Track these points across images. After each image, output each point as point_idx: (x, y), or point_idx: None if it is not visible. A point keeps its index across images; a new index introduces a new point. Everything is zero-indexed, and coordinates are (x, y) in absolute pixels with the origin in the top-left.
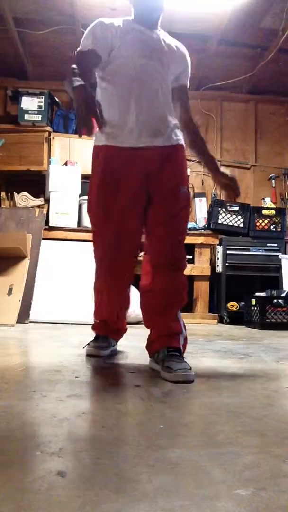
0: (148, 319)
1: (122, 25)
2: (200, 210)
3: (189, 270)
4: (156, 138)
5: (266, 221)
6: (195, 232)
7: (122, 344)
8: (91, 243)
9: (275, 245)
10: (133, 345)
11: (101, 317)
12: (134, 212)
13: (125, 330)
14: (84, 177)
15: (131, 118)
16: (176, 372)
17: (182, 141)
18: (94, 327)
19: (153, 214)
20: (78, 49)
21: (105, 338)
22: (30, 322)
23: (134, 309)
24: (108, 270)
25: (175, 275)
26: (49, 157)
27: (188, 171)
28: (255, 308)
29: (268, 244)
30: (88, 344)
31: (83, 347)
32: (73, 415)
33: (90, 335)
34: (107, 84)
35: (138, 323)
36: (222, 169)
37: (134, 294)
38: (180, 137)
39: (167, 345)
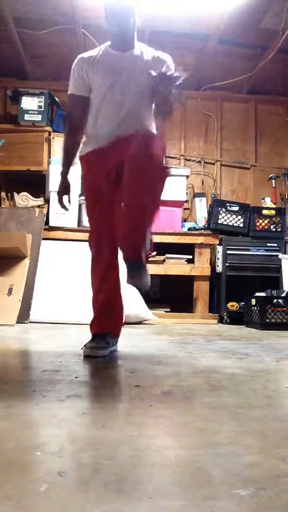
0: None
1: (96, 55)
2: (200, 210)
3: (189, 270)
4: (119, 134)
5: (266, 221)
6: (195, 232)
7: (122, 344)
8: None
9: (275, 245)
10: (133, 345)
11: (98, 306)
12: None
13: (123, 323)
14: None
15: (103, 130)
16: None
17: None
18: (91, 326)
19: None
20: (69, 91)
21: (102, 337)
22: (30, 322)
23: (134, 309)
24: (97, 248)
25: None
26: (49, 157)
27: (188, 171)
28: (255, 308)
29: (268, 244)
30: (85, 345)
31: (81, 348)
32: (73, 415)
33: (90, 334)
34: (93, 99)
35: (138, 323)
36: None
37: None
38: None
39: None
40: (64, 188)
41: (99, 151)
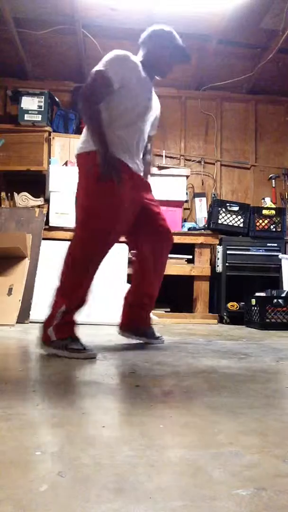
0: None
1: (138, 66)
2: (200, 210)
3: (189, 270)
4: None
5: (266, 221)
6: (195, 232)
7: (122, 344)
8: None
9: (275, 245)
10: (133, 345)
11: (76, 303)
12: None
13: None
14: None
15: (133, 146)
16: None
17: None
18: (66, 330)
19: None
20: (103, 69)
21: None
22: (30, 322)
23: None
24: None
25: None
26: (49, 157)
27: (188, 171)
28: (255, 308)
29: (268, 244)
30: (78, 350)
31: (71, 354)
32: (73, 415)
33: (90, 335)
34: (119, 105)
35: None
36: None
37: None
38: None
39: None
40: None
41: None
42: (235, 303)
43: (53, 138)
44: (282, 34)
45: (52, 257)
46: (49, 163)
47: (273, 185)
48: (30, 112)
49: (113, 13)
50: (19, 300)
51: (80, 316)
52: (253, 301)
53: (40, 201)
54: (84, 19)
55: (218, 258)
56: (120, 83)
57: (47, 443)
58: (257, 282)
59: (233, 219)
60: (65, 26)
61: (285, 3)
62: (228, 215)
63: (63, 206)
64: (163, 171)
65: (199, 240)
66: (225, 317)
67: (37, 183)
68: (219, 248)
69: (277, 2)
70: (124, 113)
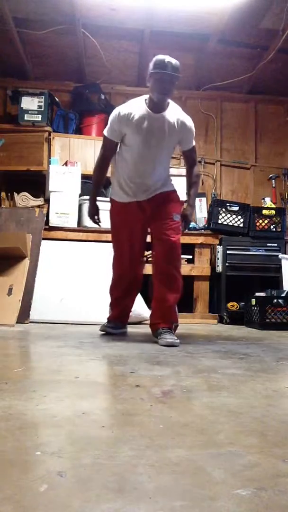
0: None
1: (133, 114)
2: (200, 210)
3: (189, 270)
4: (145, 194)
5: (266, 221)
6: (195, 232)
7: (122, 344)
8: (97, 244)
9: (275, 245)
10: (133, 345)
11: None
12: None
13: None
14: (84, 177)
15: (134, 183)
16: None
17: (171, 188)
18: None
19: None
20: (105, 132)
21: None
22: (30, 322)
23: (135, 309)
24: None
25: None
26: (49, 157)
27: None
28: (255, 308)
29: (268, 244)
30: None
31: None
32: (73, 415)
33: (90, 334)
34: (125, 155)
35: (138, 323)
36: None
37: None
38: (169, 187)
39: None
40: (95, 211)
41: (132, 204)
42: (235, 303)
43: (53, 138)
44: (282, 34)
45: (52, 257)
46: (49, 163)
47: (273, 185)
48: (30, 112)
49: (113, 13)
50: (19, 300)
51: (78, 316)
52: (253, 301)
53: (40, 201)
54: (84, 19)
55: (218, 258)
56: (120, 135)
57: (47, 443)
58: (257, 282)
59: (233, 219)
60: (65, 26)
61: (285, 3)
62: (228, 215)
63: (63, 206)
64: None
65: (199, 240)
66: (225, 317)
67: (37, 183)
68: (219, 248)
69: (277, 2)
70: (130, 157)
